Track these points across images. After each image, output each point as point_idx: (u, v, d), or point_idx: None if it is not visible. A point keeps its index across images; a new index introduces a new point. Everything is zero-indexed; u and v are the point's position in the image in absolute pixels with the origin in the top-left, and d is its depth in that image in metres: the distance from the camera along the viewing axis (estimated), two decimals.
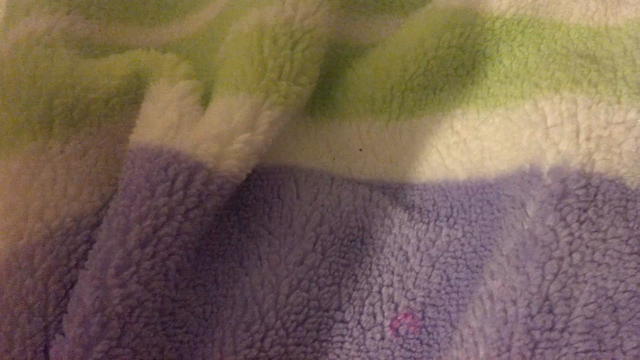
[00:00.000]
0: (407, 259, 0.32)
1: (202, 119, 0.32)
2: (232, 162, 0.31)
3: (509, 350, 0.28)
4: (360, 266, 0.32)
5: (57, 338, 0.28)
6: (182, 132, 0.31)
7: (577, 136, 0.31)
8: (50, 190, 0.31)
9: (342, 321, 0.31)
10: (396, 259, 0.32)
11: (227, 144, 0.31)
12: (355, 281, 0.31)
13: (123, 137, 0.33)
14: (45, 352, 0.29)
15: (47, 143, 0.32)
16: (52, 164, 0.32)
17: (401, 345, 0.31)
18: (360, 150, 0.36)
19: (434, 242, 0.32)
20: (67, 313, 0.28)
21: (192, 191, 0.30)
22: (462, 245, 0.32)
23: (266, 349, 0.30)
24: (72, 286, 0.30)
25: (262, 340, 0.30)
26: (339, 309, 0.31)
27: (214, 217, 0.31)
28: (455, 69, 0.36)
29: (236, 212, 0.33)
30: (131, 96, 0.34)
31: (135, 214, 0.29)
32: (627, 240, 0.30)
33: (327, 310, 0.31)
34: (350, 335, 0.31)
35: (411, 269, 0.32)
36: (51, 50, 0.35)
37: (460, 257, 0.32)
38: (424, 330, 0.31)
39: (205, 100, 0.33)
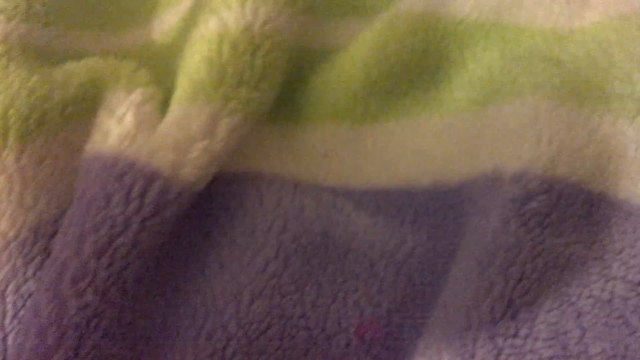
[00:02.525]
0: (372, 265, 0.32)
1: (160, 127, 0.31)
2: (190, 170, 0.30)
3: (472, 356, 0.28)
4: (324, 273, 0.31)
5: (15, 349, 0.28)
6: (138, 140, 0.31)
7: (539, 141, 0.31)
8: (6, 200, 0.31)
9: (306, 329, 0.30)
10: (361, 265, 0.32)
11: (185, 152, 0.31)
12: (319, 288, 0.31)
13: (80, 146, 0.32)
14: None
15: (2, 153, 0.31)
16: (8, 174, 0.31)
17: (367, 352, 0.30)
18: (325, 155, 0.36)
19: (398, 248, 0.32)
20: (24, 324, 0.28)
21: (148, 200, 0.29)
22: (427, 250, 0.32)
23: (228, 358, 0.29)
24: (29, 297, 0.30)
25: (223, 349, 0.29)
26: (302, 316, 0.30)
27: (173, 226, 0.30)
28: (419, 74, 0.36)
29: (198, 220, 0.32)
30: (88, 104, 0.33)
31: (90, 224, 0.28)
32: (590, 246, 0.30)
33: (291, 318, 0.30)
34: (315, 343, 0.30)
35: (376, 275, 0.31)
36: (6, 59, 0.34)
37: (425, 263, 0.32)
38: (389, 336, 0.30)
39: (164, 107, 0.33)
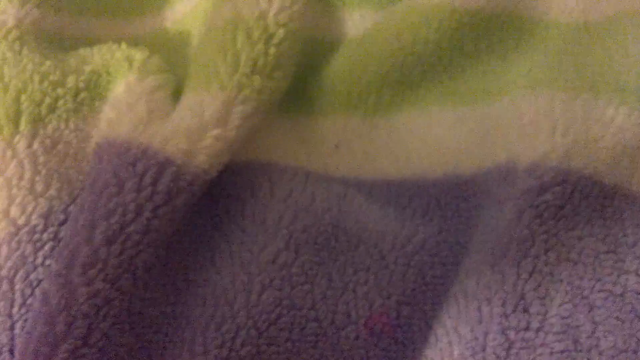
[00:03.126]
0: (383, 257, 0.31)
1: (173, 114, 0.31)
2: (202, 158, 0.30)
3: (483, 350, 0.28)
4: (334, 264, 0.31)
5: (23, 337, 0.28)
6: (151, 127, 0.31)
7: (554, 132, 0.30)
8: (17, 186, 0.31)
9: (316, 320, 0.30)
10: (371, 257, 0.31)
11: (198, 140, 0.30)
12: (329, 279, 0.31)
13: (92, 132, 0.32)
14: (11, 351, 0.28)
15: (13, 138, 0.31)
16: (19, 160, 0.31)
17: (375, 345, 0.30)
18: (336, 146, 0.36)
19: (409, 240, 0.32)
20: (33, 312, 0.28)
21: (160, 187, 0.29)
22: (438, 242, 0.32)
23: (237, 349, 0.29)
24: (38, 284, 0.29)
25: (233, 339, 0.29)
26: (312, 307, 0.30)
27: (184, 214, 0.30)
28: (432, 64, 0.36)
29: (208, 209, 0.32)
30: (100, 91, 0.33)
31: (102, 211, 0.28)
32: (603, 239, 0.29)
33: (300, 309, 0.30)
34: (324, 335, 0.30)
35: (386, 267, 0.31)
36: (20, 44, 0.34)
37: (436, 255, 0.31)
38: (398, 329, 0.30)
39: (177, 94, 0.33)
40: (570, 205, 0.29)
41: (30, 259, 0.30)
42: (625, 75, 0.33)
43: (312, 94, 0.37)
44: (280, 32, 0.34)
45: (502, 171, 0.31)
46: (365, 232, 0.32)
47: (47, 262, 0.30)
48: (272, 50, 0.33)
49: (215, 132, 0.31)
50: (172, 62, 0.34)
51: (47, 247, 0.30)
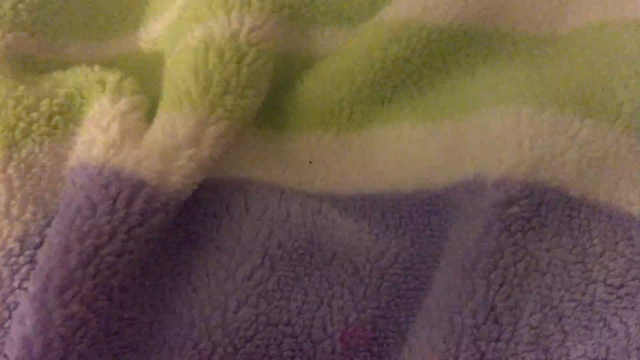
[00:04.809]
0: (357, 271, 0.32)
1: (146, 135, 0.32)
2: (176, 178, 0.31)
3: None
4: (309, 279, 0.32)
5: None
6: (124, 149, 0.31)
7: (521, 146, 0.31)
8: None
9: (292, 335, 0.31)
10: (346, 271, 0.32)
11: (171, 160, 0.31)
12: (305, 294, 0.31)
13: (66, 155, 0.33)
14: None
15: None
16: None
17: (352, 358, 0.30)
18: (310, 162, 0.36)
19: (383, 253, 0.32)
20: (9, 335, 0.28)
21: (134, 209, 0.29)
22: (411, 255, 0.32)
23: None
24: (15, 308, 0.29)
25: (209, 357, 0.29)
26: (288, 323, 0.31)
27: (160, 234, 0.31)
28: (403, 80, 0.36)
29: (184, 227, 0.32)
30: (74, 114, 0.33)
31: (76, 234, 0.28)
32: (571, 249, 0.30)
33: (277, 325, 0.30)
34: (301, 350, 0.30)
35: (361, 281, 0.32)
36: None
37: (409, 268, 0.32)
38: (374, 342, 0.31)
39: (150, 116, 0.33)
40: (538, 218, 0.30)
41: (7, 283, 0.30)
42: (590, 87, 0.34)
43: (285, 110, 0.37)
44: (252, 51, 0.34)
45: (471, 185, 0.32)
46: (340, 246, 0.32)
47: (24, 285, 0.30)
48: (244, 69, 0.33)
49: (189, 152, 0.31)
50: (147, 83, 0.34)
51: (23, 270, 0.30)
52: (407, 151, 0.35)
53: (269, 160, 0.36)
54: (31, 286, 0.28)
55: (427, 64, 0.36)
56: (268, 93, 0.36)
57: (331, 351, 0.30)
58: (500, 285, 0.29)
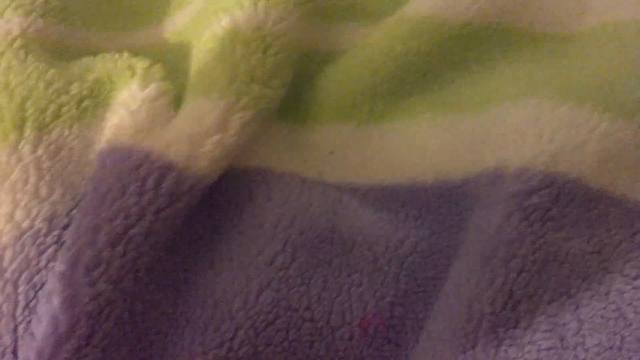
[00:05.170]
0: (376, 260, 0.32)
1: (174, 121, 0.32)
2: (203, 163, 0.31)
3: (473, 347, 0.29)
4: (329, 266, 0.32)
5: (26, 338, 0.28)
6: (153, 133, 0.31)
7: (541, 138, 0.32)
8: (21, 191, 0.31)
9: (312, 320, 0.31)
10: (365, 260, 0.32)
11: (199, 146, 0.31)
12: (325, 281, 0.32)
13: (95, 138, 0.33)
14: (14, 352, 0.29)
15: (18, 144, 0.32)
16: (23, 165, 0.32)
17: (369, 345, 0.31)
18: (331, 153, 0.37)
19: (402, 242, 0.33)
20: (36, 314, 0.29)
21: (163, 191, 0.30)
22: (430, 245, 0.33)
23: (235, 349, 0.30)
24: (41, 287, 0.30)
25: (231, 339, 0.30)
26: (308, 308, 0.31)
27: (185, 218, 0.31)
28: (424, 74, 0.37)
29: (208, 213, 0.33)
30: (104, 98, 0.34)
31: (105, 214, 0.29)
32: (589, 240, 0.30)
33: (297, 310, 0.31)
34: (320, 335, 0.31)
35: (380, 269, 0.32)
36: (24, 52, 0.35)
37: (428, 257, 0.32)
38: (392, 329, 0.31)
39: (177, 102, 0.34)
40: (557, 208, 0.30)
41: (34, 262, 0.30)
42: (609, 83, 0.34)
43: (307, 103, 0.38)
44: (277, 43, 0.35)
45: (491, 176, 0.32)
46: (360, 235, 0.33)
47: (51, 265, 0.30)
48: (269, 60, 0.34)
49: (216, 138, 0.32)
50: (172, 72, 0.35)
51: (50, 250, 0.30)
52: (426, 143, 0.36)
53: (291, 151, 0.36)
54: (59, 265, 0.29)
55: (448, 59, 0.37)
56: (291, 85, 0.36)
57: (349, 337, 0.31)
58: (519, 274, 0.29)
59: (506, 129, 0.33)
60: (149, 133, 0.31)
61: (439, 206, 0.34)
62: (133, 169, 0.30)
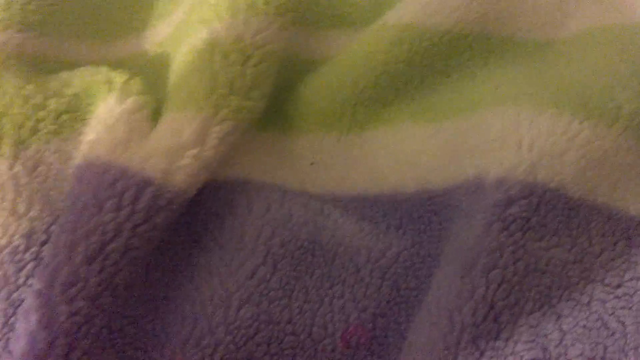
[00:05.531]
0: (358, 270, 0.32)
1: (152, 135, 0.32)
2: (181, 177, 0.31)
3: (455, 359, 0.28)
4: (311, 278, 0.32)
5: (4, 356, 0.28)
6: (130, 148, 0.31)
7: (520, 147, 0.31)
8: None
9: (293, 334, 0.31)
10: (347, 271, 0.32)
11: (176, 159, 0.31)
12: (306, 293, 0.32)
13: (73, 153, 0.33)
14: None
15: None
16: (1, 182, 0.32)
17: (352, 357, 0.31)
18: (312, 163, 0.37)
19: (384, 253, 0.33)
20: (15, 331, 0.28)
21: (140, 207, 0.30)
22: (412, 255, 0.33)
23: None
24: (20, 304, 0.30)
25: (211, 355, 0.30)
26: (289, 321, 0.31)
27: (164, 232, 0.31)
28: (405, 83, 0.37)
29: (187, 226, 0.33)
30: (81, 113, 0.34)
31: (82, 230, 0.29)
32: (570, 249, 0.30)
33: (278, 324, 0.31)
34: (302, 348, 0.31)
35: (362, 280, 0.32)
36: (2, 67, 0.35)
37: (410, 268, 0.32)
38: (374, 341, 0.31)
39: (156, 116, 0.33)
40: (537, 218, 0.30)
41: (13, 279, 0.30)
42: (589, 90, 0.34)
43: (289, 112, 0.38)
44: (257, 53, 0.34)
45: (471, 186, 0.32)
46: (341, 246, 0.33)
47: (29, 281, 0.30)
48: (249, 71, 0.34)
49: (194, 151, 0.32)
50: (152, 84, 0.35)
51: (29, 267, 0.30)
52: (408, 152, 0.36)
53: (271, 162, 0.36)
54: (37, 282, 0.29)
55: (429, 67, 0.37)
56: (271, 95, 0.36)
57: (332, 350, 0.31)
58: (500, 284, 0.29)
59: (486, 138, 0.33)
60: (126, 148, 0.31)
61: (420, 216, 0.34)
62: (110, 184, 0.30)
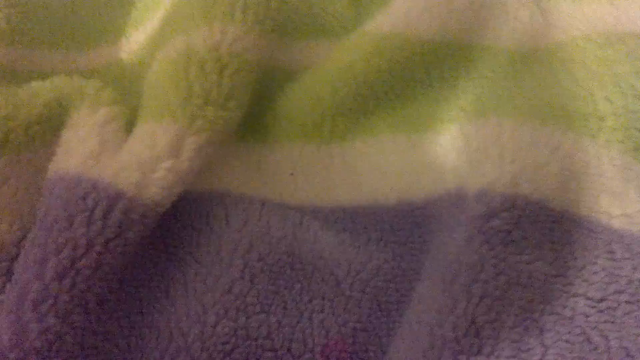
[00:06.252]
0: (338, 284, 0.32)
1: (125, 146, 0.31)
2: (154, 190, 0.30)
3: None
4: (290, 292, 0.31)
5: None
6: (102, 160, 0.30)
7: (502, 159, 0.31)
8: None
9: (272, 349, 0.30)
10: (327, 284, 0.32)
11: (150, 172, 0.30)
12: (285, 308, 0.31)
13: (44, 165, 0.32)
14: None
15: None
16: None
17: None
18: (292, 174, 0.36)
19: (364, 266, 0.32)
20: None
21: (111, 221, 0.29)
22: (392, 268, 0.32)
23: None
24: None
25: None
26: (268, 337, 0.30)
27: (137, 246, 0.30)
28: (385, 93, 0.36)
29: (163, 239, 0.32)
30: (53, 124, 0.33)
31: (52, 246, 0.28)
32: (552, 262, 0.30)
33: (256, 339, 0.30)
34: None
35: (342, 294, 0.31)
36: None
37: (391, 281, 0.32)
38: (354, 356, 0.30)
39: (130, 126, 0.33)
40: (519, 231, 0.29)
41: None
42: (572, 100, 0.34)
43: (267, 122, 0.37)
44: (234, 63, 0.34)
45: (452, 198, 0.31)
46: (321, 259, 0.32)
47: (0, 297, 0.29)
48: (225, 81, 0.33)
49: (168, 163, 0.31)
50: (126, 94, 0.34)
51: None
52: (388, 163, 0.35)
53: (250, 173, 0.35)
54: (6, 299, 0.28)
55: (410, 77, 0.36)
56: (250, 105, 0.35)
57: None
58: (481, 299, 0.28)
59: (467, 149, 0.32)
60: (98, 160, 0.30)
61: (400, 228, 0.33)
62: (80, 198, 0.29)
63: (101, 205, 0.29)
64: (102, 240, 0.29)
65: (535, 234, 0.30)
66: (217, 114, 0.33)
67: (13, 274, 0.29)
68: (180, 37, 0.34)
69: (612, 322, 0.28)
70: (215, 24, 0.34)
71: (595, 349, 0.28)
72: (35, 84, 0.34)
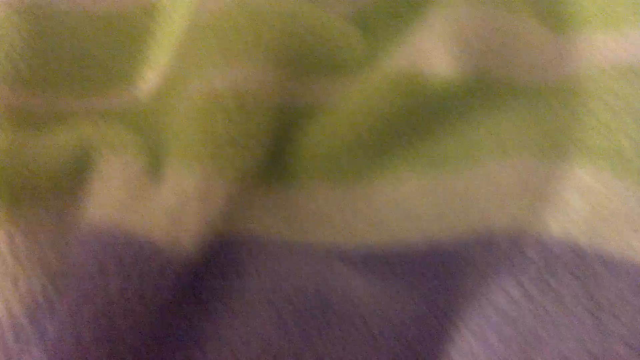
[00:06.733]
0: (370, 331, 0.31)
1: (153, 194, 0.31)
2: (187, 238, 0.30)
3: None
4: (321, 339, 0.31)
5: None
6: (132, 209, 0.30)
7: (530, 200, 0.31)
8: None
9: None
10: (358, 331, 0.31)
11: (180, 218, 0.30)
12: (317, 355, 0.30)
13: (73, 216, 0.31)
14: None
15: None
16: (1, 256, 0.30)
17: None
18: (315, 214, 0.36)
19: (396, 313, 0.32)
20: None
21: (146, 274, 0.28)
22: (425, 315, 0.32)
23: None
24: None
25: None
26: None
27: (172, 300, 0.30)
28: (404, 129, 0.36)
29: (193, 291, 0.31)
30: (78, 172, 0.32)
31: (85, 300, 0.27)
32: (582, 300, 0.30)
33: None
34: None
35: (375, 342, 0.31)
36: None
37: (424, 328, 0.31)
38: None
39: (155, 173, 0.32)
40: (549, 271, 0.30)
41: (15, 351, 0.28)
42: (590, 134, 0.34)
43: (288, 162, 0.37)
44: (255, 103, 0.33)
45: (482, 240, 0.31)
46: (351, 305, 0.32)
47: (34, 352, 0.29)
48: (250, 123, 0.33)
49: (198, 210, 0.30)
50: (149, 139, 0.34)
51: (32, 340, 0.28)
52: (412, 202, 0.35)
53: (275, 215, 0.35)
54: (37, 351, 0.28)
55: (430, 114, 0.36)
56: (271, 145, 0.35)
57: None
58: (514, 340, 0.29)
59: (494, 190, 0.32)
60: (128, 209, 0.30)
61: (431, 273, 0.33)
62: (111, 248, 0.28)
63: (132, 254, 0.28)
64: (134, 290, 0.28)
65: (565, 273, 0.30)
66: (244, 156, 0.32)
67: (45, 331, 0.29)
68: (200, 80, 0.34)
69: None
70: (234, 64, 0.34)
71: None
72: (57, 130, 0.33)
